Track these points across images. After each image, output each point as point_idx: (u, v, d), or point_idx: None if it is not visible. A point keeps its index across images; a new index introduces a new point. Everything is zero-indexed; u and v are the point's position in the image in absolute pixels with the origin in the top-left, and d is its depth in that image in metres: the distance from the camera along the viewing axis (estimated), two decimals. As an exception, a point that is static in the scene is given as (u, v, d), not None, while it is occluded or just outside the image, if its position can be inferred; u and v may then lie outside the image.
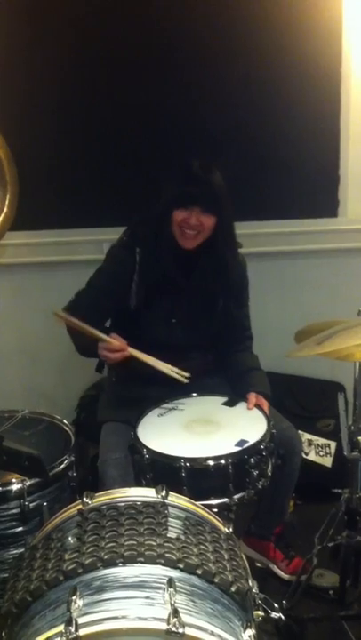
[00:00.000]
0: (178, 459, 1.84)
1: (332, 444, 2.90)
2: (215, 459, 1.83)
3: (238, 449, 1.87)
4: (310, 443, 2.91)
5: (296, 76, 2.79)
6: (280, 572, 2.44)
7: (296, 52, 2.77)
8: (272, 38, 2.74)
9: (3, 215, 2.34)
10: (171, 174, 2.22)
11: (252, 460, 1.87)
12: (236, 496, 1.85)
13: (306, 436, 2.90)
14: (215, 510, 1.70)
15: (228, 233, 2.24)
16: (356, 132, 2.89)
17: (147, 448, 1.91)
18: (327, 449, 2.90)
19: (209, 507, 1.58)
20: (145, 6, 2.69)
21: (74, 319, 2.02)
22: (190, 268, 2.21)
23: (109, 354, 2.04)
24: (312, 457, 2.89)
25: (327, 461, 2.88)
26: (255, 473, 1.88)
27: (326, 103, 2.85)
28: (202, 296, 2.27)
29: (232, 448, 1.88)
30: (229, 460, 1.83)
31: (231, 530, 1.46)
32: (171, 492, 1.44)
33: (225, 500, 1.84)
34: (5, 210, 2.34)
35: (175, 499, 1.45)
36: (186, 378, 2.15)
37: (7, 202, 2.36)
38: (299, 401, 3.01)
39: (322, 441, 2.91)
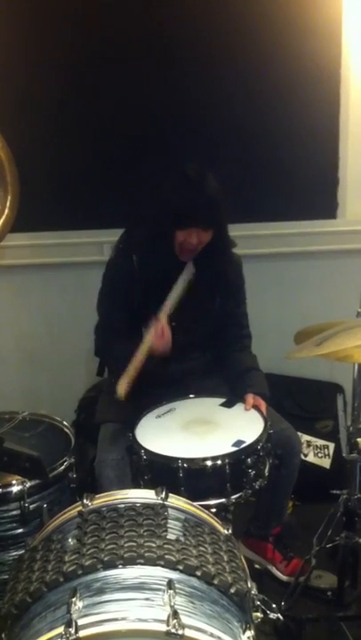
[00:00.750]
0: (175, 459, 1.84)
1: (331, 446, 2.90)
2: (212, 459, 1.84)
3: (235, 449, 1.88)
4: (309, 444, 2.91)
5: (296, 77, 2.79)
6: (278, 574, 2.45)
7: (295, 54, 2.77)
8: (271, 39, 2.74)
9: (4, 217, 2.35)
10: (169, 187, 2.20)
11: (248, 460, 1.88)
12: (233, 496, 1.86)
13: (305, 437, 2.90)
14: (213, 511, 1.71)
15: (224, 239, 2.25)
16: (355, 133, 2.89)
17: (145, 449, 1.92)
18: (326, 450, 2.90)
19: (207, 507, 1.59)
20: (145, 8, 2.69)
21: (129, 373, 2.03)
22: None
23: (163, 338, 2.07)
24: (311, 458, 2.89)
25: (326, 462, 2.89)
26: (252, 473, 1.89)
27: (326, 105, 2.85)
28: (199, 297, 2.27)
29: (229, 448, 1.89)
30: (226, 461, 1.84)
31: (230, 531, 1.47)
32: (170, 494, 1.45)
33: (222, 500, 1.85)
34: (6, 211, 2.35)
35: (175, 500, 1.46)
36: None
37: (8, 203, 2.37)
38: (298, 402, 3.01)
39: (321, 442, 2.92)
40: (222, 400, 2.21)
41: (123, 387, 2.03)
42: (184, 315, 2.25)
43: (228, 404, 2.19)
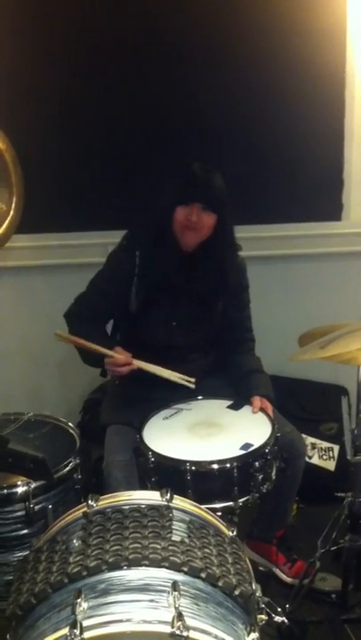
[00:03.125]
0: (183, 462, 1.84)
1: (336, 448, 2.90)
2: (220, 462, 1.83)
3: (243, 452, 1.88)
4: (313, 446, 2.91)
5: (300, 79, 2.80)
6: (282, 576, 2.44)
7: (300, 56, 2.78)
8: (276, 42, 2.75)
9: (9, 218, 2.35)
10: (172, 176, 2.24)
11: (256, 463, 1.88)
12: (240, 500, 1.86)
13: (309, 440, 2.90)
14: (219, 514, 1.71)
15: (227, 234, 2.25)
16: (360, 135, 2.90)
17: (152, 451, 1.91)
18: (330, 452, 2.90)
19: (213, 510, 1.58)
20: (148, 11, 2.70)
21: (76, 339, 2.09)
22: (190, 270, 2.22)
23: (116, 368, 2.10)
24: (315, 460, 2.89)
25: (330, 465, 2.89)
26: (260, 477, 1.89)
27: (330, 107, 2.86)
28: (201, 298, 2.27)
29: (237, 451, 1.88)
30: (234, 464, 1.83)
31: (235, 533, 1.47)
32: (175, 496, 1.45)
33: (230, 503, 1.85)
34: (11, 213, 2.35)
35: (179, 502, 1.45)
36: (192, 383, 2.18)
37: (13, 205, 2.37)
38: (302, 404, 3.01)
39: (325, 444, 2.91)
40: (229, 402, 2.21)
41: (64, 338, 2.11)
42: (185, 315, 2.25)
43: (235, 407, 2.18)
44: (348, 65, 2.81)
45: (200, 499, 1.60)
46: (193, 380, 2.19)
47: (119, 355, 2.09)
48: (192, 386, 2.18)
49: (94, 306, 2.28)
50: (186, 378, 2.18)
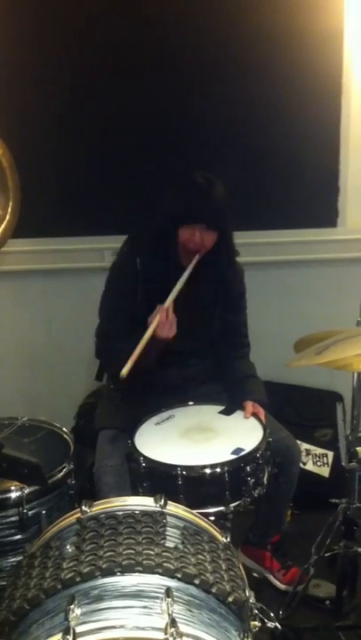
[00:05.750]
0: (174, 467, 1.84)
1: (330, 454, 2.90)
2: (211, 467, 1.84)
3: (234, 457, 1.88)
4: (308, 452, 2.91)
5: (297, 85, 2.81)
6: (276, 582, 2.44)
7: (297, 62, 2.78)
8: (273, 49, 2.75)
9: (5, 222, 2.35)
10: (175, 189, 2.22)
11: (248, 468, 1.88)
12: (232, 504, 1.86)
13: (304, 446, 2.90)
14: (212, 519, 1.71)
15: (228, 245, 2.25)
16: (356, 142, 2.91)
17: (143, 456, 1.91)
18: (325, 459, 2.90)
19: (205, 515, 1.58)
20: (147, 17, 2.70)
21: (133, 357, 1.98)
22: (189, 280, 2.20)
23: (167, 326, 2.06)
24: (310, 467, 2.89)
25: (325, 471, 2.89)
26: (251, 481, 1.89)
27: (327, 113, 2.86)
28: (201, 305, 2.28)
29: (228, 456, 1.88)
30: (225, 468, 1.84)
31: (229, 540, 1.46)
32: (169, 502, 1.45)
33: (221, 508, 1.85)
34: (7, 217, 2.35)
35: (173, 508, 1.45)
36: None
37: (9, 209, 2.37)
38: (297, 410, 3.01)
39: (319, 451, 2.92)
40: (221, 407, 2.21)
41: (127, 368, 1.99)
42: (184, 321, 2.25)
43: (227, 412, 2.19)
44: (344, 72, 2.81)
45: (192, 503, 1.60)
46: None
47: (156, 318, 2.05)
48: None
49: (117, 327, 2.24)
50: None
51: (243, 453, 1.90)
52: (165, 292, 2.17)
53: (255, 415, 2.14)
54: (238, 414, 2.17)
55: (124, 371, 1.97)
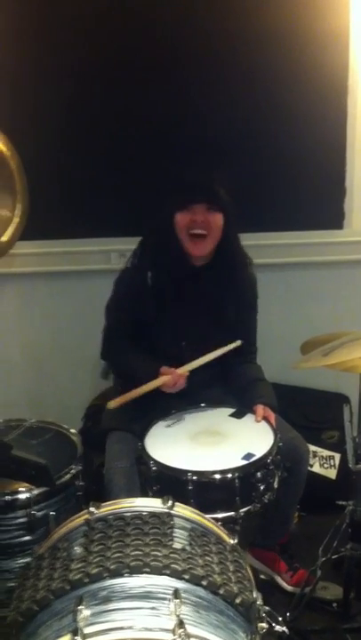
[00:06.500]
0: (185, 472, 1.84)
1: (337, 456, 2.89)
2: (221, 472, 1.83)
3: (245, 462, 1.87)
4: (315, 454, 2.90)
5: (303, 87, 2.81)
6: (283, 584, 2.44)
7: (302, 63, 2.78)
8: (278, 49, 2.75)
9: (13, 224, 2.36)
10: (171, 181, 2.22)
11: (258, 473, 1.87)
12: (242, 510, 1.85)
13: (310, 448, 2.89)
14: (220, 523, 1.71)
15: (235, 240, 2.22)
16: (362, 143, 2.91)
17: (154, 460, 1.91)
18: (332, 461, 2.89)
19: (215, 520, 1.58)
20: (150, 18, 2.71)
21: (127, 396, 2.09)
22: (201, 286, 2.20)
23: (172, 388, 2.10)
24: (316, 469, 2.88)
25: (332, 473, 2.88)
26: (262, 487, 1.88)
27: (333, 114, 2.86)
28: (212, 315, 2.26)
29: (239, 461, 1.88)
30: (236, 474, 1.83)
31: (236, 541, 1.46)
32: (177, 503, 1.45)
33: (231, 513, 1.84)
34: (16, 219, 2.35)
35: (181, 509, 1.45)
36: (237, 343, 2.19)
37: (17, 211, 2.37)
38: (303, 412, 3.00)
39: (326, 453, 2.91)
40: (232, 410, 2.21)
41: (117, 403, 2.09)
42: (196, 334, 2.23)
43: (238, 415, 2.17)
44: (350, 72, 2.81)
45: (202, 508, 1.58)
46: (238, 342, 2.19)
47: (166, 377, 2.09)
48: (238, 342, 2.19)
49: (124, 332, 2.26)
50: (230, 346, 2.18)
51: (254, 459, 1.89)
52: (173, 307, 2.16)
53: (266, 419, 2.13)
54: (249, 417, 2.16)
55: (113, 404, 2.06)
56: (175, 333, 2.23)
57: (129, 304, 2.25)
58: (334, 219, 2.99)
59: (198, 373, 2.28)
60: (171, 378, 2.08)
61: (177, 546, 1.30)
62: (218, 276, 2.21)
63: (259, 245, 2.87)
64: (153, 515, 1.38)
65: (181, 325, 2.23)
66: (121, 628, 1.11)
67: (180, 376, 2.10)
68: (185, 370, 2.11)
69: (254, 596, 1.31)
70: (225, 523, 1.78)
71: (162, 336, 2.22)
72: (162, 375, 2.10)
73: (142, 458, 1.95)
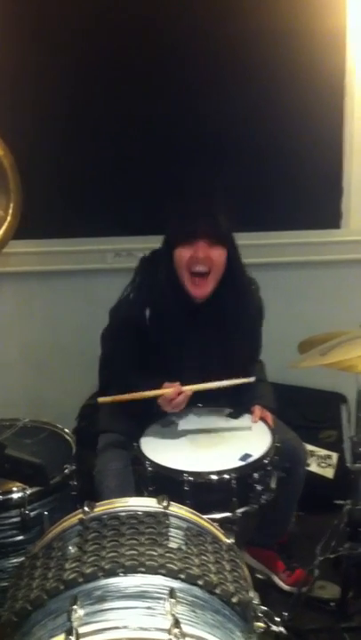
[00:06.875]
0: (181, 472, 1.83)
1: (334, 456, 2.88)
2: (219, 473, 1.82)
3: (242, 463, 1.87)
4: (312, 454, 2.89)
5: (300, 87, 2.81)
6: (281, 583, 2.43)
7: (299, 63, 2.79)
8: (275, 49, 2.76)
9: (6, 223, 2.34)
10: (171, 213, 2.11)
11: (256, 474, 1.87)
12: (239, 510, 1.85)
13: (308, 447, 2.88)
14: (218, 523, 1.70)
15: (239, 270, 2.11)
16: (359, 143, 2.91)
17: (149, 460, 1.90)
18: (329, 460, 2.89)
19: (212, 520, 1.57)
20: (150, 20, 2.71)
21: (120, 396, 2.01)
22: (202, 321, 2.12)
23: (172, 403, 2.00)
24: (314, 468, 2.87)
25: (329, 472, 2.87)
26: (259, 488, 1.88)
27: (330, 114, 2.86)
28: (215, 347, 2.17)
29: (236, 462, 1.87)
30: (233, 475, 1.82)
31: (232, 541, 1.45)
32: (172, 502, 1.44)
33: (228, 514, 1.83)
34: (9, 218, 2.34)
35: (176, 509, 1.44)
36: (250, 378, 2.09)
37: (11, 210, 2.36)
38: (301, 412, 3.00)
39: (324, 452, 2.90)
40: (229, 411, 2.19)
41: (105, 400, 2.03)
42: (196, 362, 2.17)
43: (235, 415, 2.17)
44: (347, 72, 2.82)
45: (198, 509, 1.57)
46: (252, 378, 2.10)
47: (169, 389, 2.01)
48: (252, 379, 2.10)
49: (121, 360, 2.18)
50: (243, 380, 2.09)
51: (251, 460, 1.89)
52: (179, 334, 2.06)
53: (263, 420, 2.12)
54: (246, 418, 2.15)
55: (103, 400, 2.01)
56: (175, 366, 2.13)
57: (126, 337, 2.16)
58: (332, 218, 2.99)
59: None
60: (173, 390, 2.00)
61: (173, 545, 1.29)
62: (221, 311, 2.12)
63: (256, 245, 2.87)
64: (148, 514, 1.37)
65: (181, 358, 2.14)
66: (116, 628, 1.10)
67: (182, 393, 2.01)
68: (189, 389, 2.03)
69: (251, 595, 1.30)
70: (222, 523, 1.78)
71: (161, 367, 2.13)
72: (165, 387, 2.02)
73: (138, 458, 1.94)
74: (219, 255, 2.03)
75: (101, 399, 2.06)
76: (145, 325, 2.11)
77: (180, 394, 2.00)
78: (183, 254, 2.01)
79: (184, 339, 2.13)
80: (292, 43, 2.76)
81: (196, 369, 2.14)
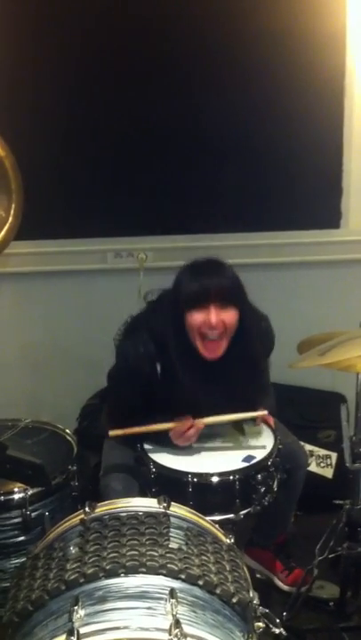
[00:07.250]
0: (185, 474, 1.84)
1: (333, 455, 2.89)
2: (222, 475, 1.83)
3: (245, 465, 1.87)
4: (311, 453, 2.90)
5: (299, 86, 2.80)
6: (280, 583, 2.44)
7: (299, 63, 2.78)
8: (275, 49, 2.74)
9: (8, 224, 2.35)
10: (181, 280, 2.01)
11: (258, 476, 1.88)
12: (241, 512, 1.85)
13: (307, 447, 2.89)
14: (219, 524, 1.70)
15: (251, 322, 2.04)
16: (359, 143, 2.90)
17: (153, 462, 1.91)
18: (328, 460, 2.89)
19: (214, 522, 1.57)
20: (150, 20, 2.70)
21: (132, 429, 1.98)
22: (214, 373, 2.03)
23: (184, 436, 1.97)
24: (313, 468, 2.88)
25: (328, 472, 2.88)
26: (262, 489, 1.88)
27: (330, 114, 2.86)
28: (227, 390, 2.06)
29: (239, 464, 1.88)
30: (236, 477, 1.83)
31: (233, 541, 1.46)
32: (173, 503, 1.45)
33: (231, 515, 1.84)
34: (10, 219, 2.34)
35: (177, 509, 1.45)
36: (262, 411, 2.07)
37: (12, 211, 2.36)
38: (300, 412, 3.00)
39: (323, 452, 2.91)
40: None
41: (116, 434, 2.01)
42: (208, 403, 2.07)
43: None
44: (347, 72, 2.81)
45: (201, 510, 1.58)
46: (265, 412, 2.07)
47: (181, 423, 1.96)
48: (265, 412, 2.08)
49: (130, 405, 2.09)
50: (256, 413, 2.05)
51: (254, 461, 1.90)
52: (191, 384, 1.99)
53: (265, 422, 2.12)
54: (249, 420, 2.14)
55: (113, 433, 1.98)
56: (187, 411, 2.04)
57: (137, 385, 2.07)
58: (331, 218, 2.99)
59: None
60: (184, 424, 1.95)
61: (173, 546, 1.30)
62: (234, 363, 2.03)
63: (256, 245, 2.87)
64: (149, 515, 1.38)
65: (193, 402, 2.06)
66: (117, 628, 1.11)
67: (194, 426, 1.96)
68: (201, 422, 1.98)
69: (251, 595, 1.31)
70: (223, 524, 1.78)
71: (173, 410, 2.05)
72: (177, 421, 1.98)
73: (142, 460, 1.94)
74: (231, 317, 1.95)
75: (112, 432, 2.01)
76: (156, 379, 2.04)
77: (191, 427, 1.97)
78: (195, 318, 1.93)
79: (198, 391, 2.04)
80: (292, 43, 2.75)
81: (210, 409, 2.07)
